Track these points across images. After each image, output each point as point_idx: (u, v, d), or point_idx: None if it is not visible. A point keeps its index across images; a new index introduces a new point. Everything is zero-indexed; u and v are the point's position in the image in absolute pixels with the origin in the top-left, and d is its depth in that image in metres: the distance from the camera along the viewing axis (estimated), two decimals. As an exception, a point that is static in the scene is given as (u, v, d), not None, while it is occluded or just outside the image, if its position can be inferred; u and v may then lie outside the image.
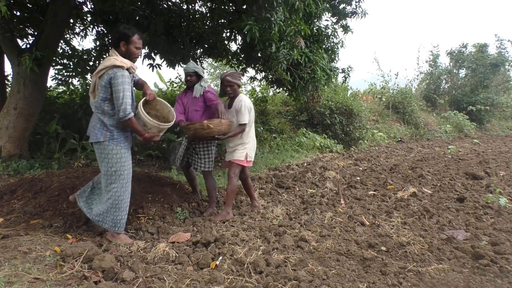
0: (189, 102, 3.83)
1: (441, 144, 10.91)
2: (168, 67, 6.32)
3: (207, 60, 10.44)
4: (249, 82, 9.35)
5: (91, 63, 6.55)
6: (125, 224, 2.95)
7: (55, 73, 6.38)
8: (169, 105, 3.11)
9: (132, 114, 2.76)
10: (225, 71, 3.93)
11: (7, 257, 2.26)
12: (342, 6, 7.49)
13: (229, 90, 3.76)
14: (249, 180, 4.06)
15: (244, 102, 3.73)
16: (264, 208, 4.04)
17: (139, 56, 2.96)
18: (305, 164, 6.93)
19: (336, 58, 7.32)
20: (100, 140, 2.82)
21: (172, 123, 3.00)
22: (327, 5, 6.54)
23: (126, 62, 2.77)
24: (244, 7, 4.87)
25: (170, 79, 9.89)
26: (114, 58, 2.75)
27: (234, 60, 7.11)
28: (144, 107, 2.89)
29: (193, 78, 3.79)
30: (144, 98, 2.93)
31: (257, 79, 7.89)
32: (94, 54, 6.50)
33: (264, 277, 2.33)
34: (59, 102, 6.97)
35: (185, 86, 3.98)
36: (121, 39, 2.80)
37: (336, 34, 7.14)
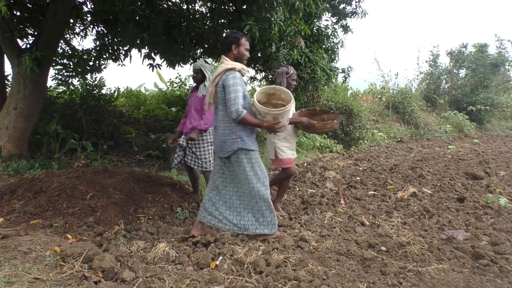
0: (192, 100, 3.83)
1: (441, 144, 10.91)
2: (168, 67, 6.33)
3: (207, 60, 10.45)
4: (249, 82, 9.35)
5: (91, 63, 6.56)
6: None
7: (55, 73, 6.39)
8: (290, 93, 3.07)
9: (245, 111, 2.79)
10: (283, 67, 3.75)
11: (7, 257, 2.25)
12: (342, 6, 7.49)
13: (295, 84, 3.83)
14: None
15: None
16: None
17: (248, 58, 3.08)
18: (305, 164, 6.93)
19: (336, 58, 7.33)
20: (234, 149, 2.86)
21: (283, 108, 2.87)
22: (327, 5, 6.54)
23: (237, 65, 2.87)
24: (244, 7, 4.88)
25: (170, 79, 9.90)
26: (225, 63, 2.86)
27: (234, 60, 7.11)
28: (269, 97, 2.96)
29: (198, 76, 3.78)
30: (261, 89, 3.03)
31: (257, 79, 7.90)
32: (94, 54, 6.51)
33: (264, 277, 2.32)
34: (59, 102, 6.97)
35: (187, 86, 4.00)
36: (233, 42, 2.92)
37: (336, 34, 7.14)
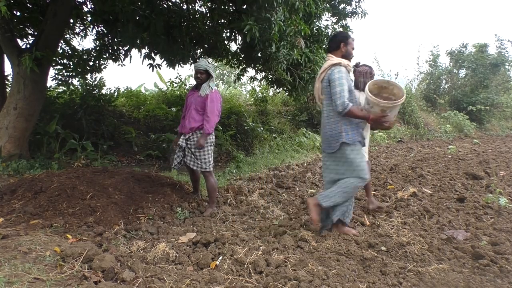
0: (192, 100, 3.82)
1: (441, 144, 10.91)
2: (168, 67, 6.33)
3: (208, 60, 10.47)
4: (249, 82, 9.35)
5: (91, 63, 6.56)
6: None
7: (55, 73, 6.39)
8: (403, 89, 3.04)
9: (351, 104, 2.83)
10: (363, 66, 3.71)
11: (7, 257, 2.26)
12: (342, 6, 7.50)
13: None
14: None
15: None
16: (264, 208, 4.04)
17: (353, 56, 3.16)
18: (305, 164, 6.93)
19: (336, 58, 7.32)
20: (339, 142, 2.92)
21: (393, 102, 2.84)
22: (327, 5, 6.54)
23: (343, 60, 2.96)
24: (244, 7, 4.87)
25: (170, 79, 9.89)
26: (331, 60, 2.95)
27: (234, 60, 7.12)
28: (381, 90, 2.98)
29: (203, 76, 3.77)
30: (375, 80, 3.04)
31: (257, 79, 7.90)
32: (94, 54, 6.51)
33: (264, 277, 2.33)
34: (59, 102, 6.96)
35: (194, 84, 3.99)
36: (342, 41, 3.05)
37: (336, 34, 7.13)
